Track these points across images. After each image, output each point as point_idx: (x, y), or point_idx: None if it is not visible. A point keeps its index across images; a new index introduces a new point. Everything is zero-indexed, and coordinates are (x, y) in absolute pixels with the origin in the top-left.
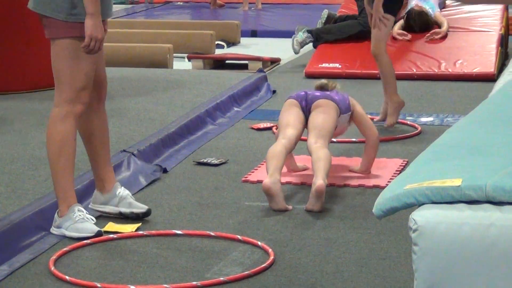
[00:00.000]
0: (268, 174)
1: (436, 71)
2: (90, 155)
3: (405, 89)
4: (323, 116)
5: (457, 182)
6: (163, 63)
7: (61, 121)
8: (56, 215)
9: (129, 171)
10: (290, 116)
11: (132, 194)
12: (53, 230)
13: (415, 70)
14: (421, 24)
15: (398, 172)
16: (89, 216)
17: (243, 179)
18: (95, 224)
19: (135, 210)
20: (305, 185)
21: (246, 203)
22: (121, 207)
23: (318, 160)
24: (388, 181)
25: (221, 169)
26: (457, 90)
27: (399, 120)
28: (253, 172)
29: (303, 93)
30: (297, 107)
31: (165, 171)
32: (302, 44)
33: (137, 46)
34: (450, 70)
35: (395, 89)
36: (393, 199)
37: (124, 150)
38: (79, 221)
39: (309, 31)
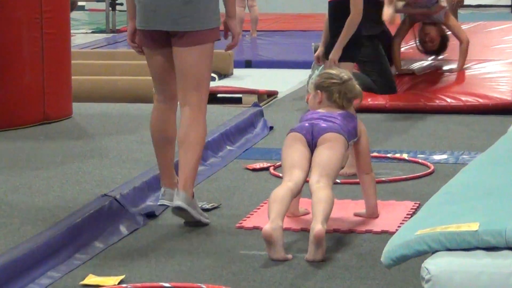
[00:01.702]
0: (269, 219)
1: (449, 101)
2: (169, 156)
3: (415, 123)
4: (329, 152)
5: (474, 226)
6: (148, 98)
7: (204, 117)
8: (190, 198)
9: (109, 219)
10: (295, 154)
11: (113, 243)
12: (189, 208)
13: (425, 102)
14: (439, 50)
15: (409, 216)
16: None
17: (238, 225)
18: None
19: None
20: (306, 231)
21: (241, 252)
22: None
23: (318, 202)
24: (398, 226)
25: (213, 214)
26: (473, 124)
27: (410, 158)
28: (248, 217)
29: (307, 124)
30: (302, 141)
31: (153, 215)
32: None
33: (119, 79)
34: (464, 100)
35: None
36: (404, 246)
37: (105, 195)
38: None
39: None
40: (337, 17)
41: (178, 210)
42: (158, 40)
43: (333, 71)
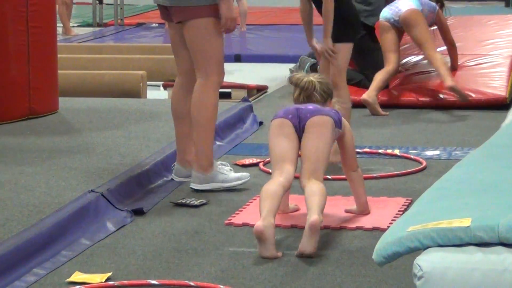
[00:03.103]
0: (261, 216)
1: (442, 97)
2: (184, 132)
3: (407, 118)
4: (318, 142)
5: (466, 222)
6: (136, 92)
7: (214, 90)
8: (196, 173)
9: (96, 215)
10: (283, 144)
11: (99, 240)
12: (199, 186)
13: (417, 97)
14: None
15: (400, 213)
16: (227, 168)
17: (227, 221)
18: None
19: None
20: (296, 228)
21: (230, 249)
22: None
23: (312, 195)
24: (390, 223)
25: (202, 210)
26: (466, 120)
27: (402, 154)
28: (237, 214)
29: (292, 108)
30: (288, 128)
31: (141, 212)
32: None
33: (106, 74)
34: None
35: None
36: (395, 243)
37: (92, 191)
38: (229, 172)
39: (313, 66)
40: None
41: (196, 191)
42: (167, 14)
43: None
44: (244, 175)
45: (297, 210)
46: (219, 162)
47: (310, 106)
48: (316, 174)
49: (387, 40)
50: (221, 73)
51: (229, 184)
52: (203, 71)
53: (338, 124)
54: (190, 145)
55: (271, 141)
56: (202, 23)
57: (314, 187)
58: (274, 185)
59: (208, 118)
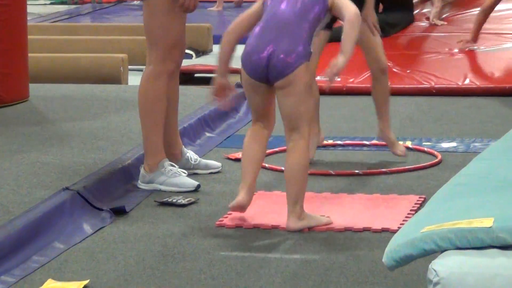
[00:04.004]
0: (242, 186)
1: (460, 84)
2: (164, 123)
3: (420, 106)
4: (292, 100)
5: (487, 222)
6: (116, 78)
7: (155, 79)
8: (143, 170)
9: (71, 216)
10: (256, 98)
11: (75, 244)
12: (142, 185)
13: (433, 84)
14: None
15: (412, 212)
16: (181, 170)
17: (218, 223)
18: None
19: (213, 170)
20: (277, 229)
21: (221, 253)
22: (198, 170)
23: (288, 180)
24: (401, 224)
25: (190, 210)
26: (486, 108)
27: (415, 147)
28: (230, 214)
29: (259, 62)
30: (256, 84)
31: (122, 211)
32: None
33: (83, 57)
34: (477, 83)
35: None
36: (408, 244)
37: (67, 188)
38: (173, 176)
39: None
40: None
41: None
42: None
43: None
44: (187, 184)
45: None
46: (169, 163)
47: (281, 55)
48: (295, 132)
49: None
50: (167, 60)
51: (165, 188)
52: (148, 57)
53: (317, 20)
54: (176, 137)
55: (245, 91)
56: (151, 4)
57: (287, 165)
58: (257, 142)
59: (147, 112)
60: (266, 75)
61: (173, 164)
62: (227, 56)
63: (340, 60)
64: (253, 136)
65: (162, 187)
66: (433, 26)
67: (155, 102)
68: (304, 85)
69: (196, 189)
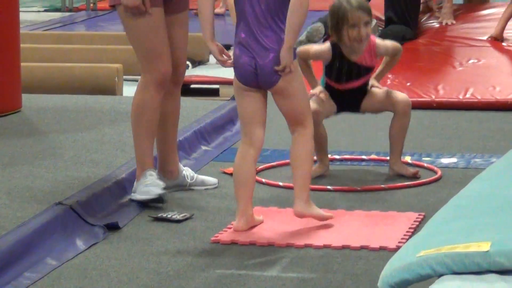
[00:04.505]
0: (238, 210)
1: (461, 98)
2: (161, 138)
3: (420, 120)
4: (290, 101)
5: (484, 246)
6: (110, 88)
7: (141, 89)
8: (135, 181)
9: (64, 231)
10: (248, 105)
11: (68, 260)
12: (132, 196)
13: (434, 97)
14: None
15: (411, 230)
16: (158, 181)
17: (213, 239)
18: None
19: (210, 187)
20: (292, 247)
21: (216, 271)
22: (195, 187)
23: (293, 167)
24: (399, 242)
25: (185, 226)
26: (488, 122)
27: (414, 162)
28: (225, 230)
29: (248, 67)
30: (249, 89)
31: (116, 227)
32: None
33: (77, 67)
34: (478, 97)
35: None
36: (404, 269)
37: (60, 203)
38: (147, 185)
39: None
40: None
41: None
42: None
43: None
44: (150, 192)
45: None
46: (150, 172)
47: (268, 66)
48: (300, 125)
49: None
50: (152, 70)
51: (133, 196)
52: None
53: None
54: (173, 154)
55: (236, 99)
56: (119, 11)
57: (293, 155)
58: (247, 163)
59: (134, 121)
60: (257, 83)
61: (153, 173)
62: (210, 17)
63: (283, 54)
64: (241, 156)
65: (138, 196)
66: (433, 40)
67: (139, 113)
68: (298, 83)
69: (158, 198)
